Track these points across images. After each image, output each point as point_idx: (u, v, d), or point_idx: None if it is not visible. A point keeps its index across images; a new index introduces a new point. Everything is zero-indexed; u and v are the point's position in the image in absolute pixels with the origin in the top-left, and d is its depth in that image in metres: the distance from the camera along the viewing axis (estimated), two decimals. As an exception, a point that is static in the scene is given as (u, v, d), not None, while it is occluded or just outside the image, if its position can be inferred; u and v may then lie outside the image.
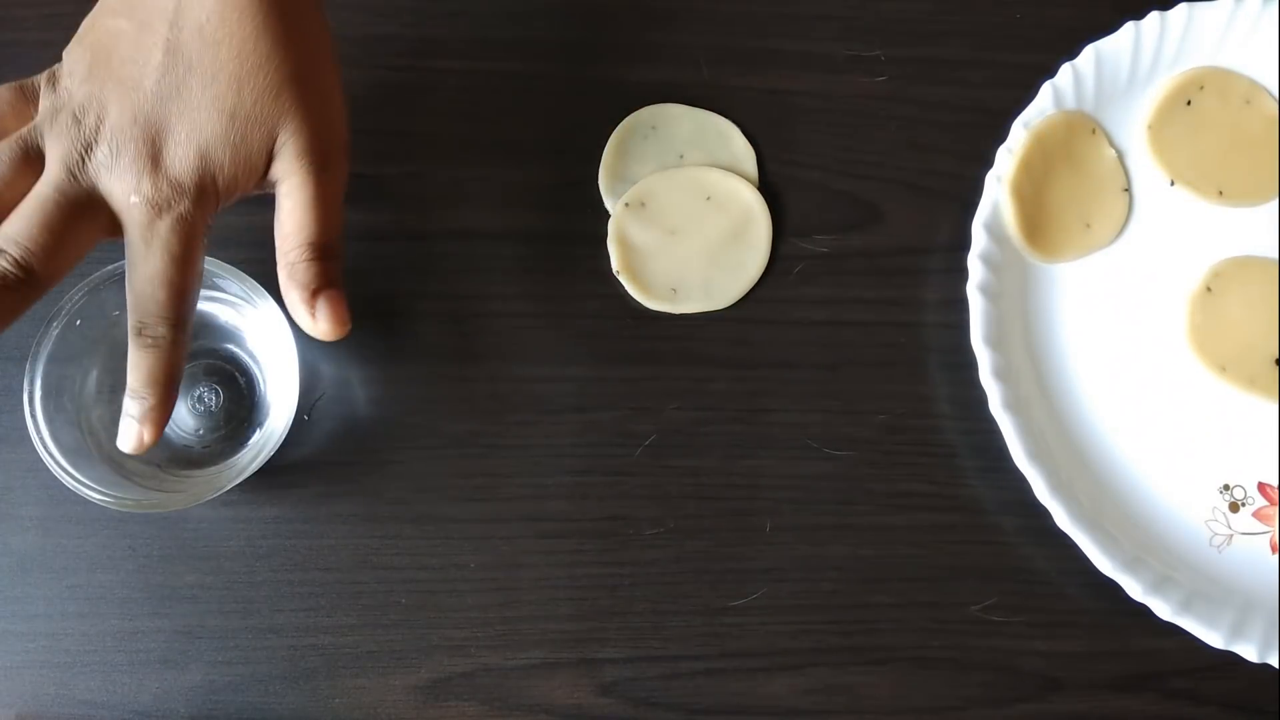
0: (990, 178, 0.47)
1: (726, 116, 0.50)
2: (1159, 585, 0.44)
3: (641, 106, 0.50)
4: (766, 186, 0.50)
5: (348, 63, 0.50)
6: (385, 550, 0.46)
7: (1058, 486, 0.45)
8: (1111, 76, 0.49)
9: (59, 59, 0.39)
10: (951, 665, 0.46)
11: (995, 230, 0.47)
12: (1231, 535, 0.46)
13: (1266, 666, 0.44)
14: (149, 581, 0.46)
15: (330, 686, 0.45)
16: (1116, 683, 0.46)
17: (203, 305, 0.46)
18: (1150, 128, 0.50)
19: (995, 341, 0.46)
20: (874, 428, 0.48)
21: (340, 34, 0.51)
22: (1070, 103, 0.48)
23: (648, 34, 0.52)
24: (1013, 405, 0.45)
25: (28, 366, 0.43)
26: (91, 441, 0.44)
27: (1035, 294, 0.48)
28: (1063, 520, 0.44)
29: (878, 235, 0.50)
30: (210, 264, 0.43)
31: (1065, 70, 0.48)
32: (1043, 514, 0.45)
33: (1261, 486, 0.47)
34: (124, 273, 0.43)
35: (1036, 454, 0.45)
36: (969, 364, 0.46)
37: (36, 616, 0.46)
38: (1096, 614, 0.46)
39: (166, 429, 0.46)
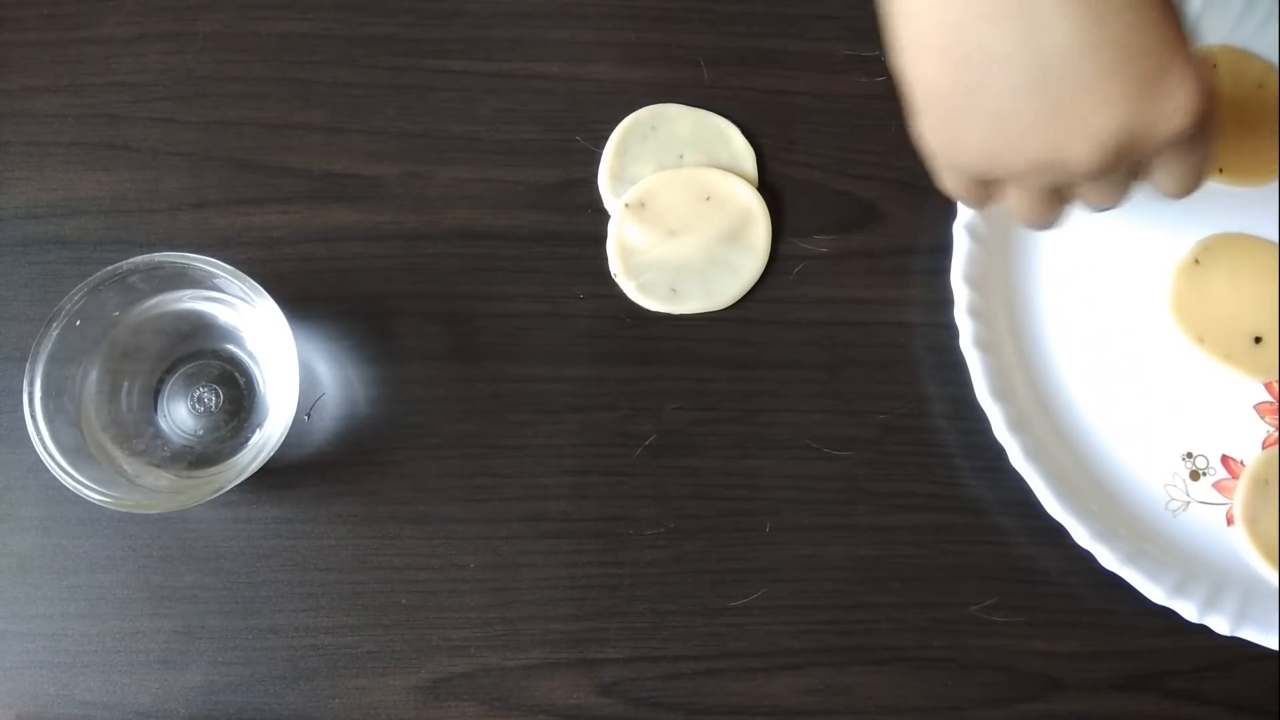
0: None
1: (726, 116, 0.50)
2: (1105, 536, 0.44)
3: (641, 106, 0.50)
4: (766, 186, 0.50)
5: (348, 62, 0.51)
6: (385, 550, 0.46)
7: (1017, 424, 0.45)
8: None
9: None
10: (951, 665, 0.46)
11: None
12: (1189, 503, 0.47)
13: (1266, 666, 0.44)
14: (149, 581, 0.46)
15: (330, 686, 0.45)
16: (1116, 683, 0.46)
17: (202, 305, 0.46)
18: None
19: (975, 282, 0.47)
20: (874, 428, 0.48)
21: (340, 34, 0.51)
22: None
23: (648, 34, 0.51)
24: (984, 344, 0.46)
25: (28, 366, 0.43)
26: (91, 441, 0.44)
27: (1021, 250, 0.49)
28: (1016, 457, 0.45)
29: (877, 235, 0.50)
30: (210, 264, 0.43)
31: None
32: (1043, 514, 0.45)
33: (1225, 459, 0.47)
34: (123, 273, 0.43)
35: (1000, 393, 0.45)
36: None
37: (36, 617, 0.46)
38: (1097, 614, 0.46)
39: (166, 429, 0.46)
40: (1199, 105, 0.34)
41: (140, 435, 0.46)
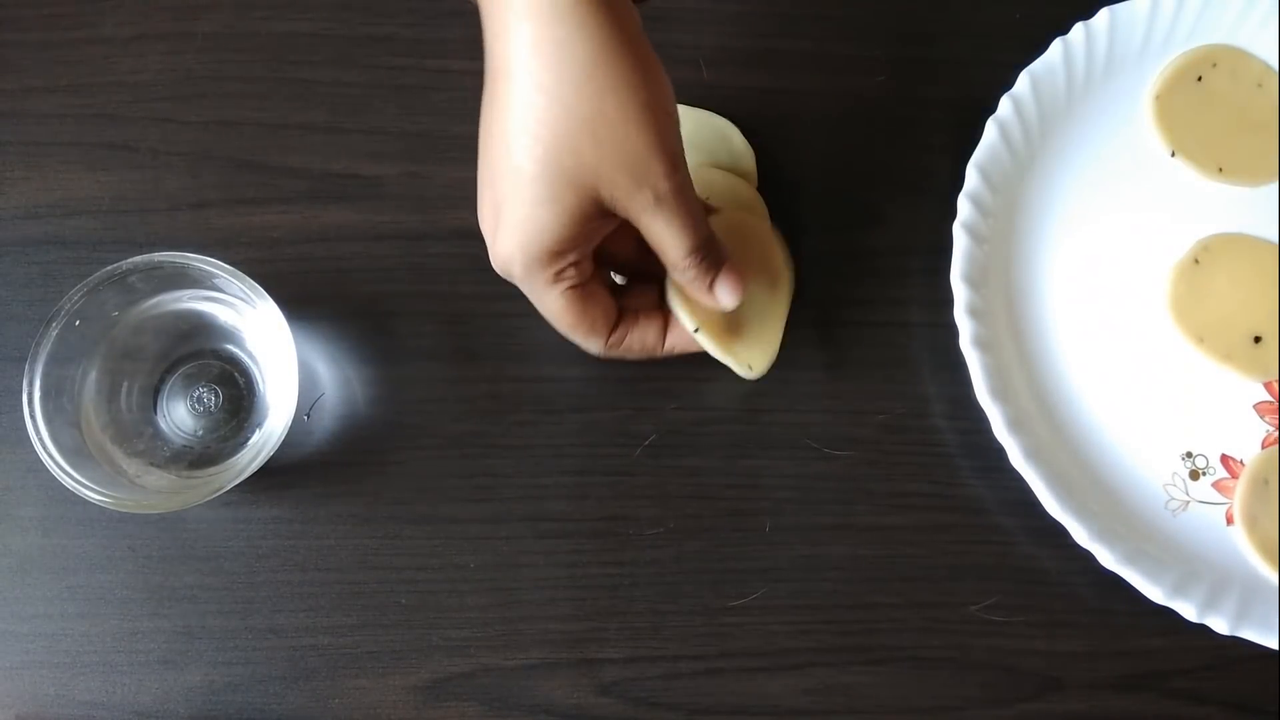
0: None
1: (726, 116, 0.50)
2: (1105, 536, 0.44)
3: (641, 106, 0.50)
4: (766, 186, 0.50)
5: (348, 62, 0.51)
6: (385, 550, 0.46)
7: (1016, 424, 0.45)
8: (1125, 41, 0.49)
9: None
10: (951, 665, 0.46)
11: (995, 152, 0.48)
12: (1188, 502, 0.47)
13: (1266, 666, 0.44)
14: (149, 582, 0.46)
15: (330, 686, 0.45)
16: (1116, 683, 0.46)
17: (202, 305, 0.46)
18: (1158, 98, 0.50)
19: (974, 282, 0.47)
20: (874, 428, 0.48)
21: (340, 34, 0.51)
22: (1080, 62, 0.49)
23: (648, 34, 0.51)
24: (984, 344, 0.46)
25: (27, 367, 0.43)
26: (91, 441, 0.44)
27: (1021, 250, 0.49)
28: (1016, 456, 0.45)
29: (878, 235, 0.50)
30: (210, 264, 0.43)
31: (1078, 29, 0.48)
32: (1043, 514, 0.45)
33: (1225, 459, 0.47)
34: (122, 273, 0.43)
35: (999, 392, 0.45)
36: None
37: (36, 617, 0.46)
38: (1097, 613, 0.46)
39: (166, 429, 0.46)
40: (502, 262, 0.40)
41: (140, 435, 0.46)
